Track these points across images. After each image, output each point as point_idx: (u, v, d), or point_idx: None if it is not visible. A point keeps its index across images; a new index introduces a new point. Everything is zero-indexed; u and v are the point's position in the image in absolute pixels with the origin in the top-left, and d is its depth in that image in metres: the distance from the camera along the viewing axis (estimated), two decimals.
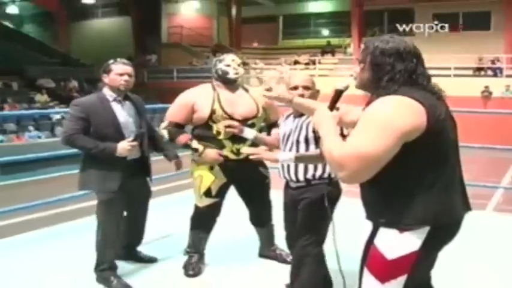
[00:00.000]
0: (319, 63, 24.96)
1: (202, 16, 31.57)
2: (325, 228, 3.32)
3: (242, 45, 28.72)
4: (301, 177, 3.37)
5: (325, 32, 30.82)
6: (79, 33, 30.88)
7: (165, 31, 29.15)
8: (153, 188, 4.40)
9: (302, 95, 3.32)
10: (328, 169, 3.34)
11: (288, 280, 3.51)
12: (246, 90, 4.28)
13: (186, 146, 4.08)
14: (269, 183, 4.36)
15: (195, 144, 4.07)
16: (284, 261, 4.33)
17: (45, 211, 6.87)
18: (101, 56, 24.97)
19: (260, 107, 4.19)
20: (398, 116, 1.98)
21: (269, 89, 2.94)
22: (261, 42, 30.44)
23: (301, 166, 3.35)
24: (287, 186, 3.57)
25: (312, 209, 3.32)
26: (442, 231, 2.13)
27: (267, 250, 4.51)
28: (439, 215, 2.08)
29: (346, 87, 2.31)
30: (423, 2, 25.33)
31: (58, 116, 16.47)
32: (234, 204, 4.44)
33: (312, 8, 30.65)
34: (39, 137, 16.13)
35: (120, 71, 3.91)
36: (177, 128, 4.11)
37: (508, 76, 20.28)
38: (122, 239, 4.16)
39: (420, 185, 2.07)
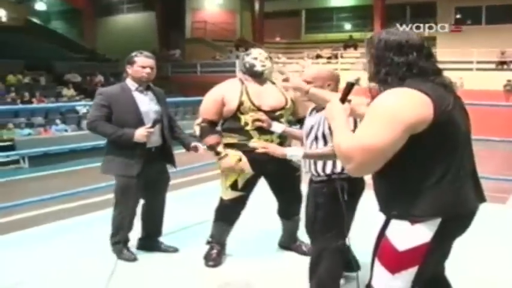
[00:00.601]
0: (342, 57, 24.99)
1: (225, 11, 31.82)
2: (342, 222, 3.26)
3: (265, 39, 28.85)
4: (320, 171, 3.36)
5: (348, 26, 30.82)
6: (105, 29, 31.34)
7: (189, 26, 29.42)
8: (176, 180, 4.54)
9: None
10: None
11: (303, 272, 3.48)
12: (274, 83, 4.29)
13: (211, 147, 4.13)
14: (300, 175, 4.29)
15: (220, 148, 4.09)
16: (303, 253, 4.35)
17: (73, 202, 7.03)
18: (126, 51, 25.24)
19: (289, 99, 4.19)
20: (404, 108, 1.98)
21: (286, 79, 2.95)
22: (284, 37, 30.52)
23: (320, 161, 3.35)
24: (311, 181, 3.55)
25: (328, 204, 3.32)
26: (453, 222, 2.13)
27: (288, 242, 4.52)
28: (449, 206, 2.08)
29: (357, 80, 2.35)
30: None
31: (84, 110, 16.71)
32: (257, 195, 4.36)
33: (334, 2, 30.67)
34: (66, 130, 16.40)
35: (143, 64, 4.11)
36: (211, 125, 4.15)
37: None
38: (142, 228, 4.43)
39: (429, 176, 2.07)
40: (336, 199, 3.24)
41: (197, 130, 4.20)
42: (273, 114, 4.02)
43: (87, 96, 19.40)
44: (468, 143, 2.21)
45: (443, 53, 18.59)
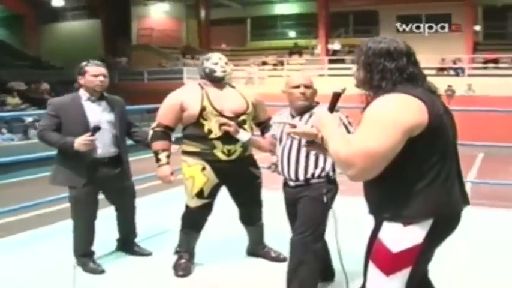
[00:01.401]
0: (287, 63, 25.52)
1: (171, 18, 31.87)
2: (324, 224, 3.37)
3: (211, 46, 29.08)
4: (301, 176, 3.41)
5: (292, 33, 31.40)
6: (49, 36, 30.77)
7: (135, 33, 29.35)
8: (147, 185, 4.57)
9: (304, 93, 3.42)
10: (327, 167, 3.41)
11: (278, 277, 3.58)
12: (233, 87, 4.23)
13: (155, 153, 4.07)
14: (260, 183, 4.31)
15: (162, 155, 4.04)
16: (273, 259, 4.36)
17: (22, 214, 6.69)
18: (71, 59, 24.89)
19: (250, 103, 4.14)
20: (401, 112, 2.04)
21: (293, 126, 2.85)
22: (230, 44, 30.67)
23: (301, 165, 3.40)
24: (285, 185, 3.59)
25: (311, 206, 3.36)
26: (444, 223, 2.19)
27: (256, 248, 4.48)
28: (441, 207, 2.14)
29: (343, 90, 2.39)
30: (387, 4, 26.03)
31: (30, 119, 16.49)
32: (222, 203, 4.34)
33: (279, 10, 31.23)
34: (12, 140, 16.15)
35: (95, 73, 4.08)
36: (166, 130, 4.08)
37: (470, 75, 20.90)
38: (118, 230, 4.53)
39: (422, 178, 2.11)
40: (318, 201, 3.34)
41: (150, 134, 4.14)
42: (237, 120, 3.98)
43: (33, 105, 19.05)
44: (455, 147, 2.27)
45: None
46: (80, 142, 3.93)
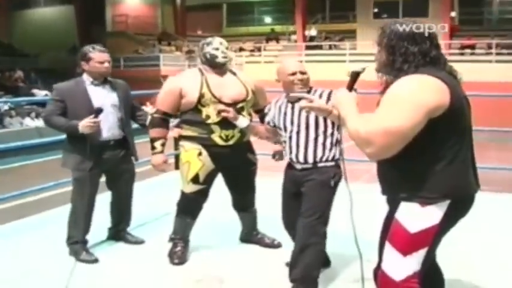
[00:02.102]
0: (265, 50, 25.49)
1: (146, 4, 31.57)
2: (330, 209, 3.42)
3: (187, 33, 28.94)
4: (310, 159, 3.42)
5: (269, 19, 31.43)
6: (21, 23, 30.16)
7: (110, 20, 28.97)
8: (140, 169, 4.47)
9: (301, 80, 3.42)
10: (334, 151, 3.43)
11: (273, 263, 3.68)
12: (234, 73, 4.17)
13: (151, 140, 4.07)
14: (256, 169, 4.30)
15: (157, 143, 4.05)
16: (266, 245, 4.35)
17: (5, 204, 6.42)
18: (45, 46, 24.44)
19: (250, 91, 4.10)
20: (424, 93, 2.06)
21: (311, 100, 2.89)
22: (205, 30, 30.39)
23: (310, 148, 3.41)
24: (290, 168, 3.60)
25: (320, 189, 3.39)
26: (461, 204, 2.22)
27: (250, 235, 4.46)
28: (459, 188, 2.18)
29: (363, 69, 2.38)
30: None
31: (6, 107, 16.18)
32: (216, 191, 4.28)
33: None
34: None
35: (100, 59, 4.10)
36: (165, 116, 4.06)
37: (448, 61, 21.09)
38: (111, 218, 4.50)
39: (441, 159, 2.15)
40: (326, 185, 3.39)
41: (148, 119, 4.17)
42: (235, 107, 3.94)
43: (7, 93, 18.73)
44: (470, 131, 2.29)
45: (363, 45, 19.33)
46: (84, 124, 3.94)
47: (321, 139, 3.43)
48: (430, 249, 2.24)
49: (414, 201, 2.19)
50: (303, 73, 3.47)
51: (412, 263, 2.23)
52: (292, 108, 3.49)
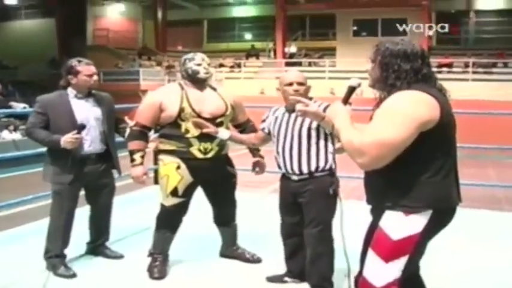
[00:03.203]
0: (245, 66, 25.56)
1: (128, 19, 31.48)
2: (333, 216, 3.53)
3: (167, 48, 28.94)
4: (305, 169, 3.50)
5: (249, 36, 31.56)
6: (1, 35, 30.01)
7: (91, 34, 28.80)
8: (121, 183, 4.46)
9: (297, 90, 3.49)
10: (329, 160, 3.52)
11: (254, 278, 3.77)
12: (214, 89, 4.21)
13: (130, 152, 4.08)
14: (235, 182, 4.33)
15: (137, 155, 4.05)
16: (247, 260, 4.36)
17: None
18: (25, 58, 24.20)
19: (229, 105, 4.14)
20: (416, 107, 2.17)
21: (306, 105, 3.02)
22: (186, 46, 30.46)
23: (304, 159, 3.49)
24: (285, 179, 3.66)
25: (319, 199, 3.47)
26: (442, 215, 2.32)
27: (230, 250, 4.46)
28: (441, 200, 2.28)
29: (359, 84, 2.49)
30: (344, 8, 26.26)
31: None
32: (195, 204, 4.29)
33: (236, 12, 31.26)
34: None
35: (88, 73, 4.08)
36: (143, 129, 4.07)
37: None
38: (89, 232, 4.47)
39: (427, 171, 2.25)
40: (326, 193, 3.48)
41: (127, 132, 4.18)
42: (214, 121, 3.97)
43: None
44: (455, 146, 2.41)
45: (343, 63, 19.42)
46: (65, 140, 3.92)
47: (313, 149, 3.51)
48: (411, 258, 2.33)
49: (398, 210, 2.29)
50: (300, 84, 3.55)
51: (393, 270, 2.31)
52: (288, 118, 3.57)
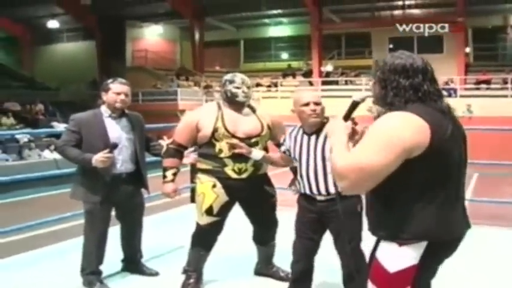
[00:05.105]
0: (281, 85, 25.61)
1: (166, 40, 32.04)
2: (361, 232, 3.46)
3: (205, 68, 29.24)
4: (332, 189, 3.46)
5: (285, 55, 31.71)
6: (44, 57, 30.90)
7: (130, 55, 29.40)
8: (151, 203, 4.51)
9: (314, 110, 3.46)
10: None
11: None
12: (254, 109, 4.23)
13: (164, 169, 4.14)
14: (275, 201, 4.31)
15: (169, 173, 4.10)
16: (281, 278, 4.35)
17: (17, 235, 6.24)
18: (66, 80, 24.81)
19: (265, 126, 4.15)
20: (401, 131, 2.00)
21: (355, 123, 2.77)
22: (223, 66, 30.82)
23: (330, 180, 3.43)
24: (308, 199, 3.61)
25: (351, 216, 3.44)
26: (440, 246, 2.14)
27: (264, 268, 4.49)
28: (435, 231, 2.09)
29: (363, 99, 2.39)
30: (379, 26, 26.30)
31: (25, 139, 16.48)
32: (230, 223, 4.34)
33: (272, 32, 31.54)
34: (7, 160, 16.07)
35: (117, 90, 4.16)
36: (179, 148, 4.13)
37: (462, 96, 20.91)
38: (122, 251, 4.54)
39: (419, 201, 2.08)
40: (355, 211, 3.48)
41: (164, 148, 4.27)
42: (248, 141, 4.00)
43: (27, 125, 19.04)
44: (461, 171, 2.22)
45: None
46: (97, 159, 3.97)
47: None
48: None
49: (392, 241, 2.14)
50: (316, 104, 3.51)
51: None
52: (308, 140, 3.54)
